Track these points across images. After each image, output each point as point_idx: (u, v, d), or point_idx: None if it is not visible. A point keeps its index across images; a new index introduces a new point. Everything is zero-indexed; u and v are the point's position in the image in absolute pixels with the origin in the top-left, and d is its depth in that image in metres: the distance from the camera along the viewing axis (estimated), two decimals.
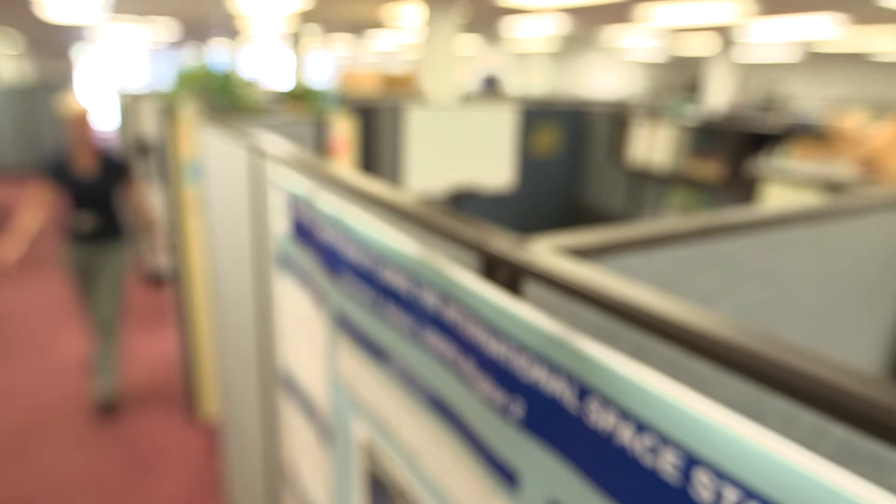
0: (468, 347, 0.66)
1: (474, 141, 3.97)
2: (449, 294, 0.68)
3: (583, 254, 0.63)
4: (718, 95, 8.71)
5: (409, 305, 0.78)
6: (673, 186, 3.78)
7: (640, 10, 7.27)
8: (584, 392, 0.52)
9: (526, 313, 0.55)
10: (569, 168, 4.46)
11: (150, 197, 4.67)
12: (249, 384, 1.73)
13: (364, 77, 5.69)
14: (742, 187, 3.19)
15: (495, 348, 0.61)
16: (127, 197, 3.13)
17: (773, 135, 3.20)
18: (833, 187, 1.23)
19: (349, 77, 5.73)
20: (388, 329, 0.84)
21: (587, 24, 9.12)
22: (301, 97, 3.35)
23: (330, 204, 0.99)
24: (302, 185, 1.13)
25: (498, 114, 4.02)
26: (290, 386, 1.32)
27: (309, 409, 1.23)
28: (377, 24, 10.39)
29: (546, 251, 0.60)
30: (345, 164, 2.98)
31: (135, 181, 3.14)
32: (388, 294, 0.82)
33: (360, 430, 1.00)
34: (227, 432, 2.25)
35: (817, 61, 13.86)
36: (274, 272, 1.36)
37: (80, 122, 2.92)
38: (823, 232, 0.90)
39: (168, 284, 4.86)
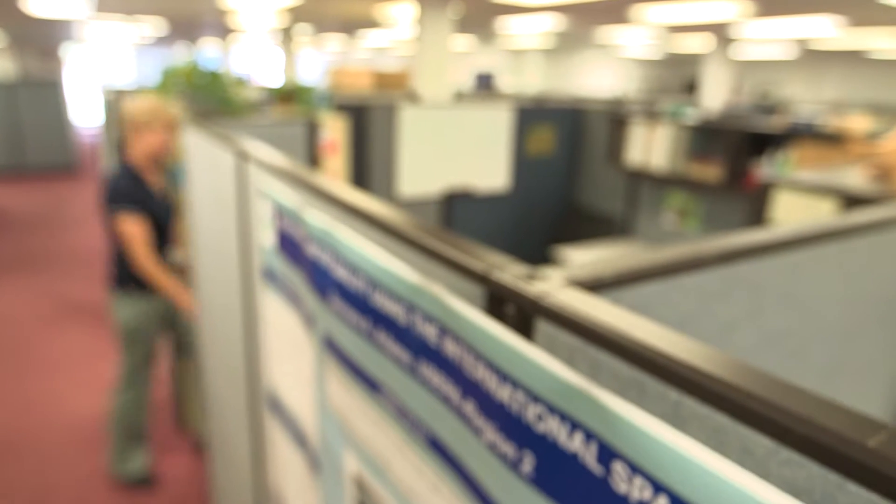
0: (472, 389, 0.59)
1: (469, 141, 3.90)
2: (450, 328, 0.61)
3: (599, 286, 0.56)
4: (715, 94, 8.67)
5: (404, 335, 0.71)
6: (671, 188, 3.73)
7: (636, 9, 7.22)
8: (607, 453, 0.45)
9: (538, 357, 0.49)
10: (565, 169, 4.40)
11: None
12: (237, 402, 1.65)
13: (355, 74, 5.60)
14: (743, 190, 3.13)
15: (503, 393, 0.54)
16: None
17: (775, 136, 3.14)
18: (848, 197, 1.17)
19: (340, 74, 5.64)
20: (380, 358, 0.78)
21: (583, 22, 9.07)
22: (291, 96, 3.27)
23: (318, 218, 0.92)
24: (288, 196, 1.06)
25: (493, 113, 3.95)
26: (277, 408, 1.25)
27: (297, 434, 1.16)
28: (369, 23, 10.29)
29: (559, 284, 0.53)
30: (336, 167, 2.90)
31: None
32: (381, 321, 0.75)
33: (350, 462, 0.93)
34: (214, 451, 2.18)
35: (814, 59, 13.87)
36: (259, 285, 1.29)
37: (167, 127, 2.40)
38: (847, 248, 0.84)
39: None
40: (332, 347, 0.92)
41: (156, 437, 2.93)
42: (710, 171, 3.28)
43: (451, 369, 0.63)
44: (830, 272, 0.84)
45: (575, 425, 0.47)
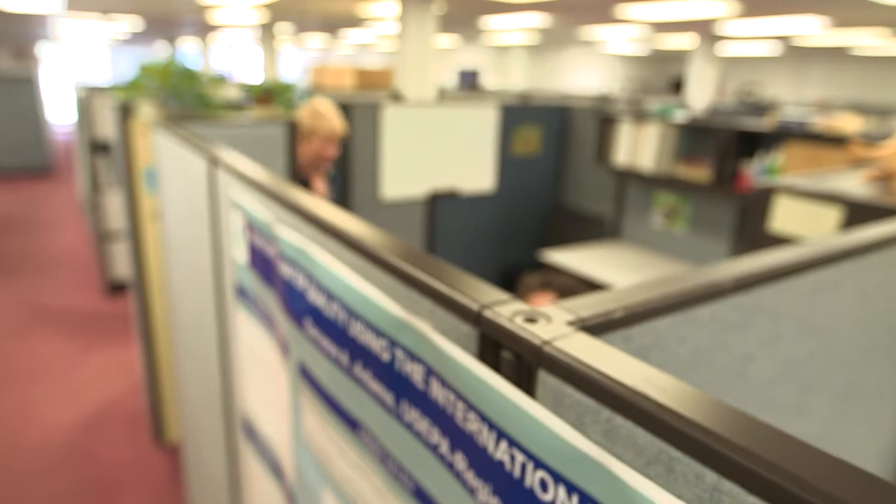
0: (463, 442, 0.52)
1: (454, 141, 3.82)
2: (437, 371, 0.54)
3: (609, 326, 0.49)
4: (700, 93, 8.65)
5: (386, 373, 0.63)
6: (660, 189, 3.68)
7: (621, 7, 7.18)
8: None
9: (541, 416, 0.41)
10: (551, 169, 4.34)
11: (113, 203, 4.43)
12: (213, 424, 1.56)
13: (337, 73, 5.50)
14: (733, 191, 3.09)
15: (500, 452, 0.47)
16: None
17: (764, 136, 3.11)
18: (854, 205, 1.11)
19: (321, 73, 5.52)
20: (360, 395, 0.70)
21: (568, 21, 9.02)
22: (269, 95, 3.16)
23: (291, 236, 0.84)
24: (259, 209, 0.98)
25: (479, 112, 3.88)
26: (252, 436, 1.16)
27: (273, 465, 1.07)
28: (351, 22, 10.15)
29: (565, 326, 0.46)
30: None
31: None
32: (360, 354, 0.68)
33: (329, 503, 0.85)
34: (191, 474, 2.08)
35: (797, 56, 13.96)
36: (232, 303, 1.20)
37: (328, 137, 2.39)
38: (865, 265, 0.78)
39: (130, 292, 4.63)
40: (307, 377, 0.84)
41: (132, 450, 2.82)
42: (699, 172, 3.24)
43: (439, 416, 0.56)
44: (848, 292, 0.78)
45: (586, 499, 0.40)
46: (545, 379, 0.43)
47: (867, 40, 8.87)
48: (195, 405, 1.82)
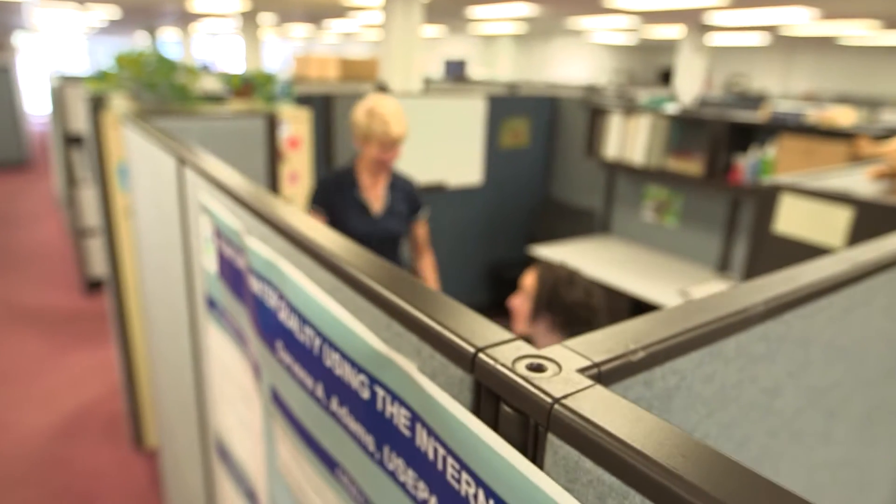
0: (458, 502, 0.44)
1: (441, 133, 3.73)
2: (424, 418, 0.46)
3: (627, 369, 0.41)
4: (689, 83, 8.58)
5: (366, 412, 0.55)
6: (650, 182, 3.62)
7: None
8: None
9: (550, 490, 0.34)
10: (540, 161, 4.26)
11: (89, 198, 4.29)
12: (189, 440, 1.47)
13: (321, 63, 5.37)
14: (726, 185, 3.04)
15: None
16: (417, 236, 2.41)
17: (756, 129, 3.05)
18: (865, 205, 1.05)
19: (305, 62, 5.39)
20: (338, 433, 0.62)
21: (556, 11, 8.91)
22: (250, 86, 3.05)
23: (262, 249, 0.75)
24: (228, 215, 0.89)
25: (466, 103, 3.79)
26: (226, 458, 1.08)
27: (247, 490, 0.99)
28: (335, 12, 9.97)
29: (576, 373, 0.38)
30: (300, 165, 2.70)
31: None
32: (336, 387, 0.60)
33: None
34: (170, 491, 1.99)
35: (785, 46, 13.96)
36: (203, 312, 1.12)
37: (382, 144, 2.14)
38: (891, 279, 0.71)
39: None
40: (280, 404, 0.76)
41: (110, 457, 2.72)
42: (691, 165, 3.18)
43: (427, 470, 0.48)
44: (877, 308, 0.71)
45: None
46: (556, 445, 0.35)
47: (855, 30, 8.85)
48: (171, 414, 1.73)
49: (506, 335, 0.43)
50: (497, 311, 4.33)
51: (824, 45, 13.06)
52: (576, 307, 1.64)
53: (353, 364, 0.55)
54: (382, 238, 2.24)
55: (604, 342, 0.43)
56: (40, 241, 5.70)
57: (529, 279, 1.70)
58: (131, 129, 1.71)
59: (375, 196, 2.25)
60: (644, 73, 17.53)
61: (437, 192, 3.83)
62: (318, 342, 0.61)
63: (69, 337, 3.81)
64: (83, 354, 3.60)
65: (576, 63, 16.43)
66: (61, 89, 4.01)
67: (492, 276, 4.25)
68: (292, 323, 0.67)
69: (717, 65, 15.20)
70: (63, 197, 4.44)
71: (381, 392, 0.52)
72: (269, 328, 0.74)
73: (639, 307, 2.91)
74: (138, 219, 1.81)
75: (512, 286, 4.35)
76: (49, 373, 3.38)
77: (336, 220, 2.20)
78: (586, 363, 0.40)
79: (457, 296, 3.35)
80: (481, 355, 0.41)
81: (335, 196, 2.20)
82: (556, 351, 0.41)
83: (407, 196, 2.33)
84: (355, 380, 0.55)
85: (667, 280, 3.11)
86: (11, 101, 8.68)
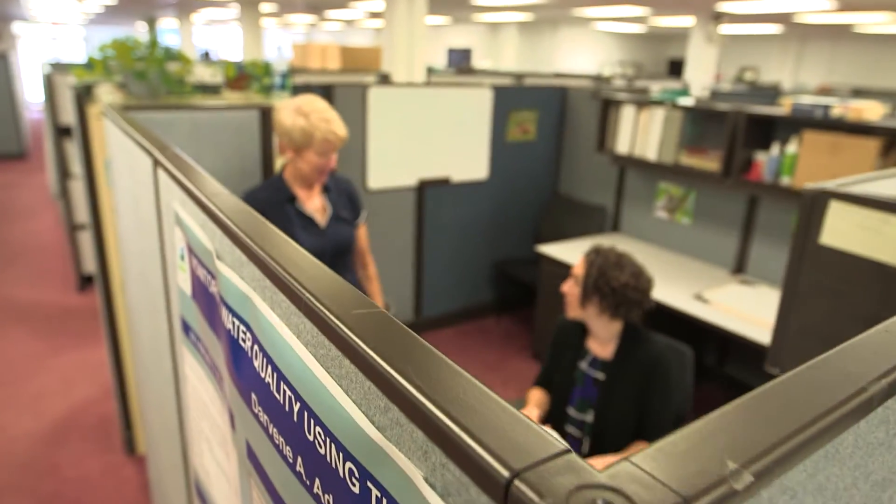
0: None
1: (445, 124, 3.59)
2: None
3: (726, 500, 0.28)
4: (700, 75, 8.35)
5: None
6: (664, 178, 3.47)
7: None
8: None
9: None
10: (548, 155, 4.12)
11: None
12: (175, 470, 1.35)
13: (322, 51, 5.21)
14: (744, 183, 2.89)
15: None
16: (359, 243, 2.15)
17: (776, 123, 2.90)
18: None
19: (305, 51, 5.23)
20: None
21: (565, 2, 8.71)
22: (246, 76, 2.91)
23: (235, 278, 0.62)
24: (201, 232, 0.76)
25: (472, 93, 3.64)
26: (206, 501, 0.96)
27: None
28: (337, 2, 9.77)
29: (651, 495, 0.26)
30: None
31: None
32: (320, 468, 0.47)
33: None
34: (154, 494, 1.88)
35: (797, 36, 13.68)
36: (179, 337, 0.99)
37: (331, 147, 1.86)
38: None
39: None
40: (255, 464, 0.64)
41: (100, 463, 2.61)
42: (707, 161, 3.03)
43: None
44: None
45: None
46: None
47: (871, 18, 8.61)
48: (155, 429, 1.62)
49: (552, 445, 0.30)
50: (502, 311, 4.21)
51: (839, 33, 12.76)
52: (624, 289, 1.68)
53: (340, 447, 0.42)
54: (335, 252, 1.96)
55: (689, 457, 0.30)
56: (36, 235, 5.59)
57: (579, 265, 1.75)
58: (111, 123, 1.58)
59: (316, 207, 1.95)
60: (652, 64, 17.28)
61: (441, 186, 3.69)
62: (297, 407, 0.48)
63: (61, 335, 3.70)
64: (75, 353, 3.48)
65: (582, 53, 16.19)
66: (52, 78, 3.87)
67: (497, 274, 4.12)
68: (268, 376, 0.54)
69: (725, 58, 14.95)
70: (56, 190, 4.31)
71: (375, 491, 0.39)
72: (244, 375, 0.61)
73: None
74: (120, 219, 1.68)
75: (517, 285, 4.22)
76: (40, 373, 3.27)
77: None
78: (672, 500, 0.27)
79: (460, 295, 3.21)
80: (519, 483, 0.28)
81: (273, 215, 1.85)
82: (626, 474, 0.29)
83: (348, 198, 2.05)
84: (342, 467, 0.43)
85: (680, 281, 2.98)
86: (11, 92, 8.52)
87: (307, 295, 0.47)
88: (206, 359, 0.81)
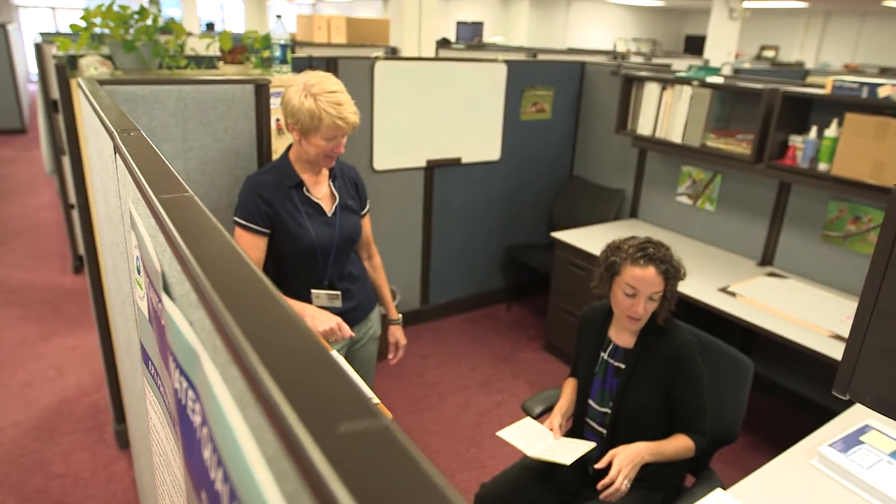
0: None
1: (456, 100, 3.38)
2: None
3: None
4: (722, 51, 8.01)
5: None
6: (688, 160, 3.27)
7: None
8: None
9: None
10: (565, 136, 3.90)
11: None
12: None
13: (326, 21, 4.98)
14: (776, 167, 2.68)
15: None
16: (365, 233, 1.99)
17: (813, 104, 2.69)
18: None
19: (308, 22, 5.00)
20: None
21: None
22: (243, 48, 2.71)
23: (184, 325, 0.45)
24: (151, 246, 0.59)
25: (485, 66, 3.42)
26: None
27: None
28: None
29: None
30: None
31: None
32: None
33: None
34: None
35: (823, 9, 13.20)
36: (138, 366, 0.82)
37: (341, 133, 1.68)
38: None
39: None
40: None
41: (92, 457, 2.48)
42: (736, 144, 2.82)
43: None
44: None
45: None
46: None
47: None
48: (137, 435, 1.47)
49: None
50: (512, 299, 4.04)
51: (867, 8, 12.27)
52: (640, 246, 1.67)
53: None
54: (343, 244, 1.81)
55: None
56: (33, 213, 5.44)
57: (653, 282, 1.69)
58: (83, 99, 1.41)
59: (324, 194, 1.80)
60: (669, 41, 16.82)
61: (450, 167, 3.50)
62: None
63: (54, 319, 3.56)
64: (68, 338, 3.35)
65: (595, 29, 15.76)
66: (42, 49, 3.67)
67: (509, 260, 3.94)
68: (215, 470, 0.37)
69: (743, 35, 14.49)
70: (50, 167, 4.14)
71: None
72: (192, 453, 0.45)
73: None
74: (97, 206, 1.52)
75: (530, 271, 4.04)
76: (31, 359, 3.14)
77: (285, 236, 1.72)
78: None
79: (469, 282, 3.05)
80: None
81: (279, 203, 1.70)
82: None
83: (354, 185, 1.90)
84: None
85: (704, 273, 2.80)
86: (11, 66, 8.30)
87: (268, 388, 0.30)
88: (165, 402, 0.65)
